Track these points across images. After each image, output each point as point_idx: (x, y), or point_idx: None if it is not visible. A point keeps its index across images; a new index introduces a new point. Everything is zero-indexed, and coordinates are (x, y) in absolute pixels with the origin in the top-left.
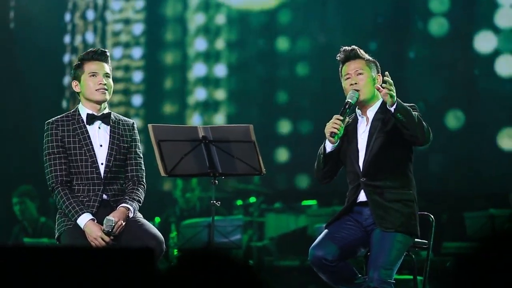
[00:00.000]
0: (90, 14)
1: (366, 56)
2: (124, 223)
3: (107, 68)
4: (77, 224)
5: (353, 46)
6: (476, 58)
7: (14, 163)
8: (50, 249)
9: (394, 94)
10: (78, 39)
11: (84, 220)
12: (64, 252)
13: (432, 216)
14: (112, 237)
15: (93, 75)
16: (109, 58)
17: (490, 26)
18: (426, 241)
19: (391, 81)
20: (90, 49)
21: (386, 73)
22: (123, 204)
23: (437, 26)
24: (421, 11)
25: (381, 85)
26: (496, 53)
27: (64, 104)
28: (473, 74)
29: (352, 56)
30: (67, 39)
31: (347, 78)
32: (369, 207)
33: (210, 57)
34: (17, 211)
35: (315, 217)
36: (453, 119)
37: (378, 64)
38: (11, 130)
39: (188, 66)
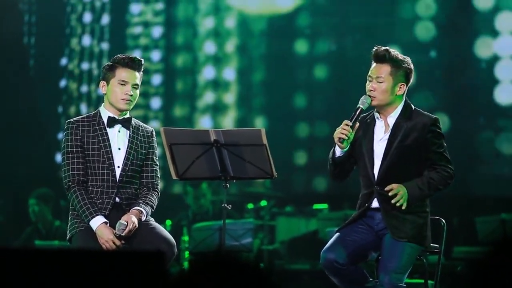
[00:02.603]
0: (88, 17)
1: (398, 60)
2: (136, 225)
3: (137, 78)
4: (89, 226)
5: (387, 48)
6: (468, 62)
7: (30, 165)
8: (60, 251)
9: (402, 203)
10: (74, 42)
11: (97, 222)
12: (75, 254)
13: (444, 221)
14: (123, 242)
15: (122, 84)
16: (142, 67)
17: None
18: (438, 245)
19: (395, 190)
20: (127, 55)
21: (388, 187)
22: (136, 207)
23: (424, 31)
24: (408, 16)
25: (389, 192)
26: (494, 58)
27: (60, 108)
28: (467, 79)
29: (380, 58)
30: (64, 43)
31: (369, 80)
32: (381, 214)
33: (227, 59)
34: (31, 213)
35: (326, 220)
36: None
37: (410, 71)
38: (21, 131)
39: (204, 70)
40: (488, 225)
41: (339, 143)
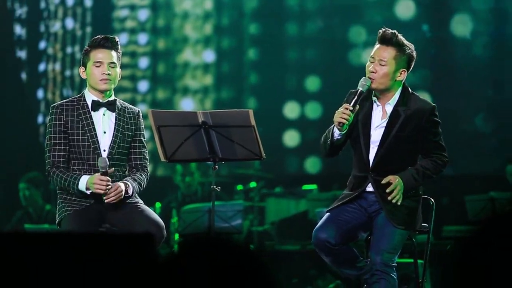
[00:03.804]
0: (70, 0)
1: (404, 45)
2: (123, 190)
3: (114, 56)
4: (78, 209)
5: (394, 31)
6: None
7: (21, 149)
8: (49, 235)
9: (398, 197)
10: (57, 25)
11: (84, 181)
12: (63, 237)
13: (433, 200)
14: (110, 183)
15: (97, 65)
16: (118, 45)
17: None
18: (427, 225)
19: (392, 186)
20: (99, 36)
21: (387, 180)
22: (124, 181)
23: (405, 9)
24: None
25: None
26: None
27: (40, 92)
28: (445, 56)
29: (386, 40)
30: (42, 26)
31: (371, 61)
32: (375, 198)
33: (213, 40)
34: (22, 197)
35: (316, 201)
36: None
37: (413, 58)
38: (12, 119)
39: (197, 52)
40: (477, 203)
41: (339, 127)
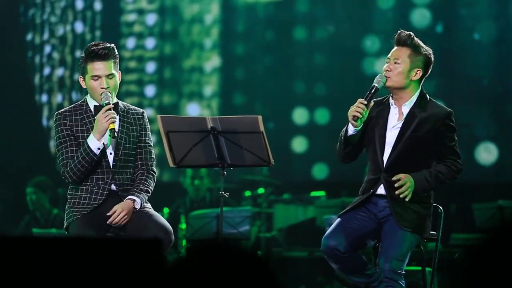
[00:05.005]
0: (79, 4)
1: (419, 46)
2: (126, 215)
3: (111, 67)
4: (86, 214)
5: (410, 33)
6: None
7: (28, 154)
8: (56, 239)
9: (407, 193)
10: (67, 29)
11: (91, 138)
12: (71, 242)
13: (441, 208)
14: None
15: (95, 79)
16: (115, 51)
17: None
18: (435, 233)
19: (402, 181)
20: (93, 47)
21: (398, 177)
22: (130, 196)
23: (420, 18)
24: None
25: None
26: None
27: (48, 97)
28: (451, 62)
29: (401, 41)
30: (49, 30)
31: (386, 62)
32: (386, 201)
33: (222, 45)
34: (29, 202)
35: (324, 208)
36: None
37: (430, 60)
38: (19, 123)
39: (205, 57)
40: (485, 212)
41: (353, 122)
